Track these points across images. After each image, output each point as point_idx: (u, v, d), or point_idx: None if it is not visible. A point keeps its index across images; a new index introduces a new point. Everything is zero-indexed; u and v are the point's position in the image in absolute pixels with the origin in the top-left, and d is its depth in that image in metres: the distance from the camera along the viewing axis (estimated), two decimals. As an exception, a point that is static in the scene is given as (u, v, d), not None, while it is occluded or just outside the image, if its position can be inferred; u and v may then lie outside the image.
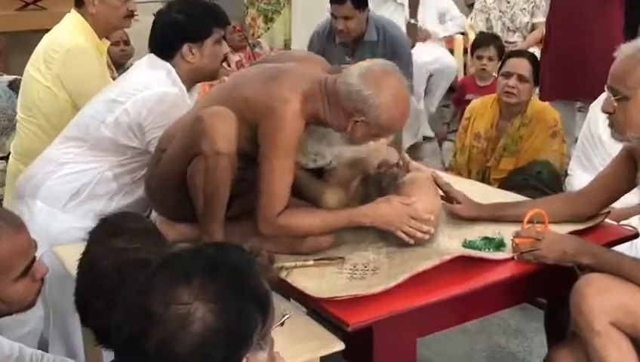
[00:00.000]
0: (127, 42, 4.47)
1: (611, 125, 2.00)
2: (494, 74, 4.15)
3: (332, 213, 2.11)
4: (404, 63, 3.69)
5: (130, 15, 2.86)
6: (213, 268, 1.03)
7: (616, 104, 1.94)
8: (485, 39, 4.52)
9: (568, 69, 4.15)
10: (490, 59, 4.33)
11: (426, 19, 5.64)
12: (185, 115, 2.21)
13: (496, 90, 3.41)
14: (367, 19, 3.74)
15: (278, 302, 1.13)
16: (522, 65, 3.32)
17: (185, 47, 2.41)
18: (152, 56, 2.47)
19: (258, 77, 2.10)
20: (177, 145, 2.10)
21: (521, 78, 3.29)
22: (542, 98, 4.08)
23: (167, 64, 2.43)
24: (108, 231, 1.57)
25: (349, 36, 3.73)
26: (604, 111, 2.00)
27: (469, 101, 3.76)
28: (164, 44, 2.44)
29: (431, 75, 5.59)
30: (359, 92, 1.96)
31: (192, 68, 2.43)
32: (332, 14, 3.73)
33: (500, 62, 3.68)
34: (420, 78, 4.43)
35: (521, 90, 3.28)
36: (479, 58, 4.40)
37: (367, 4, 3.73)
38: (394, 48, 3.66)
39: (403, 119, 2.05)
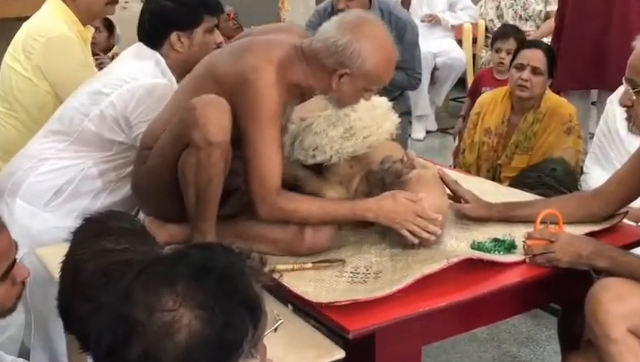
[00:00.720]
0: (97, 29, 4.38)
1: (629, 119, 2.00)
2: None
3: (334, 202, 2.11)
4: (411, 48, 3.69)
5: (114, 1, 2.86)
6: (199, 271, 1.02)
7: (634, 97, 1.94)
8: (505, 31, 4.47)
9: (584, 58, 4.14)
10: (508, 52, 4.26)
11: (437, 8, 5.64)
12: (165, 110, 2.20)
13: (509, 83, 3.40)
14: (370, 0, 3.74)
15: (272, 307, 1.12)
16: (536, 57, 3.31)
17: (173, 36, 2.41)
18: (140, 45, 2.47)
19: (229, 53, 2.10)
20: (167, 138, 2.09)
21: (534, 71, 3.27)
22: (553, 89, 4.07)
23: (157, 54, 2.43)
24: (93, 231, 1.55)
25: None
26: (621, 104, 1.99)
27: (485, 94, 3.74)
28: (152, 33, 2.44)
29: (437, 68, 5.59)
30: (337, 42, 1.97)
31: (181, 58, 2.43)
32: None
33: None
34: (423, 67, 4.43)
35: (534, 83, 3.27)
36: (498, 51, 4.38)
37: None
38: (399, 32, 3.64)
39: (389, 65, 2.04)
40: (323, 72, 2.01)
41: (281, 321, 1.17)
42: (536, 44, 3.57)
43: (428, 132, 5.74)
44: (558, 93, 4.30)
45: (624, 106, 1.99)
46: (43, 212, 2.39)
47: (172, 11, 2.42)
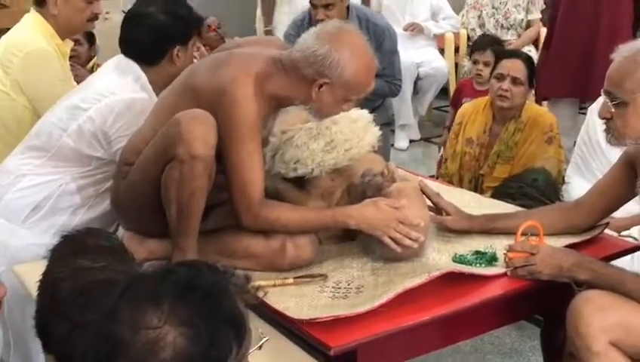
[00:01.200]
0: (78, 41, 4.36)
1: (608, 130, 2.02)
2: (492, 79, 4.14)
3: (315, 210, 2.14)
4: (390, 55, 3.71)
5: (94, 18, 2.88)
6: (184, 289, 1.03)
7: (613, 110, 1.97)
8: (483, 42, 4.50)
9: (572, 65, 4.15)
10: (486, 64, 4.30)
11: (419, 17, 5.68)
12: (145, 124, 2.21)
13: (489, 93, 3.44)
14: (347, 9, 3.76)
15: (256, 324, 1.14)
16: (516, 67, 3.35)
17: (175, 50, 2.46)
18: (121, 58, 2.48)
19: (209, 65, 2.13)
20: (150, 152, 2.09)
21: (514, 81, 3.31)
22: (541, 95, 4.07)
23: (137, 68, 2.44)
24: (71, 249, 1.56)
25: None
26: (600, 116, 2.02)
27: (465, 104, 3.77)
28: (154, 49, 2.47)
29: (420, 78, 5.63)
30: (316, 52, 2.00)
31: (175, 71, 2.43)
32: (311, 3, 3.76)
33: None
34: (406, 77, 4.45)
35: (514, 93, 3.30)
36: (475, 62, 4.41)
37: None
38: (378, 40, 3.66)
39: (368, 74, 2.07)
40: (302, 83, 2.03)
41: (265, 339, 1.19)
42: (516, 54, 3.61)
43: (411, 141, 5.77)
44: (545, 99, 4.34)
45: (603, 118, 2.02)
46: (21, 228, 2.39)
47: (173, 26, 2.47)
